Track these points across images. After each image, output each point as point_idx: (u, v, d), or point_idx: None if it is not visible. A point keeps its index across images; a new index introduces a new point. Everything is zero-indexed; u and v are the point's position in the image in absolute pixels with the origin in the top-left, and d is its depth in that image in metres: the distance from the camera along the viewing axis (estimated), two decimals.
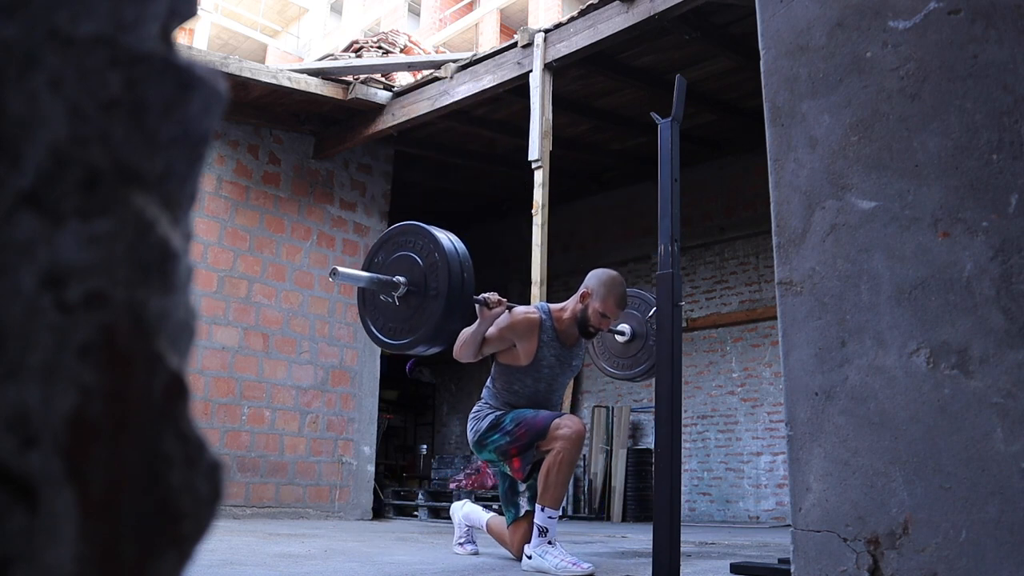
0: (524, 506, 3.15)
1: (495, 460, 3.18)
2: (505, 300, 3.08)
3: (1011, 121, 1.12)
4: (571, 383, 3.43)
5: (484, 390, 3.31)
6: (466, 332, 3.02)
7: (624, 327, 3.84)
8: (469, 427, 3.25)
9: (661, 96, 6.51)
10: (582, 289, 3.19)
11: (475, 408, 3.28)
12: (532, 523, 3.03)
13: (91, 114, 0.31)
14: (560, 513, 3.13)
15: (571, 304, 3.23)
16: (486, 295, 3.00)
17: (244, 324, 6.43)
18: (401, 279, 2.71)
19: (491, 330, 3.07)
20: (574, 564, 2.81)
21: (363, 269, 2.84)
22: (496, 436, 3.11)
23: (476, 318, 3.01)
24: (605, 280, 3.17)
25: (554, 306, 3.27)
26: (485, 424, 3.16)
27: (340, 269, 2.74)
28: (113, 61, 0.31)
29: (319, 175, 7.12)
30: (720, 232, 8.49)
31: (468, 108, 6.84)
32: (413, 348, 2.72)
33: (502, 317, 3.08)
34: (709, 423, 8.39)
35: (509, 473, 3.17)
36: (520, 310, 3.15)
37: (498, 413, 3.15)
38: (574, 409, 9.40)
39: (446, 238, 2.71)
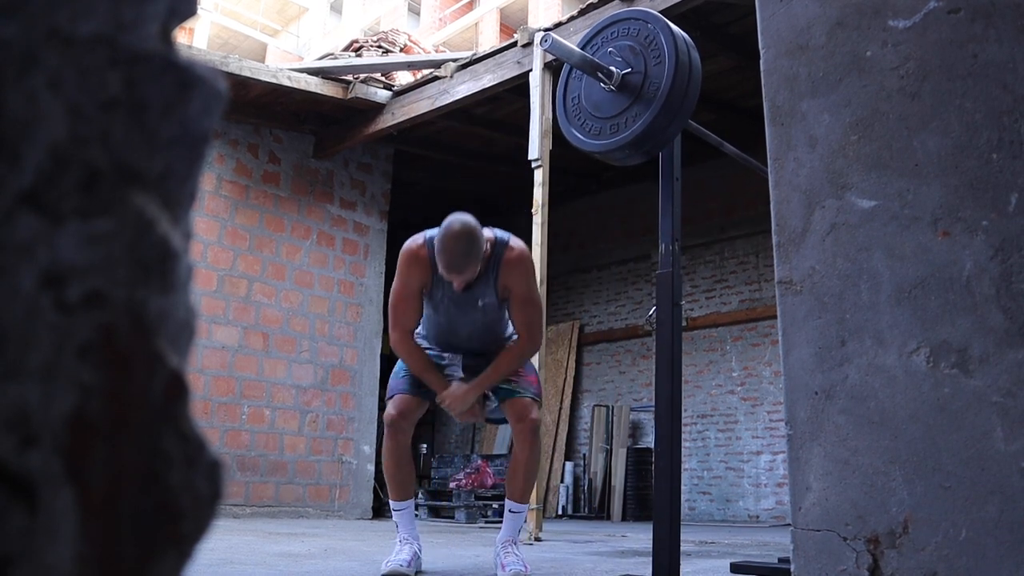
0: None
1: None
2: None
3: (1011, 120, 1.12)
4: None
5: None
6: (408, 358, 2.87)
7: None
8: None
9: None
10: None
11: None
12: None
13: (91, 114, 0.31)
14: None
15: None
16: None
17: (244, 323, 6.43)
18: (616, 69, 2.34)
19: (396, 285, 2.81)
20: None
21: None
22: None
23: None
24: (441, 233, 2.63)
25: None
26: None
27: (555, 36, 2.39)
28: (113, 61, 0.31)
29: (319, 174, 7.11)
30: (720, 231, 8.49)
31: (468, 107, 6.84)
32: (612, 150, 2.37)
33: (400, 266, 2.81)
34: (709, 422, 8.39)
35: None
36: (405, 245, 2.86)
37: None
38: (573, 409, 9.40)
39: (681, 35, 2.35)
